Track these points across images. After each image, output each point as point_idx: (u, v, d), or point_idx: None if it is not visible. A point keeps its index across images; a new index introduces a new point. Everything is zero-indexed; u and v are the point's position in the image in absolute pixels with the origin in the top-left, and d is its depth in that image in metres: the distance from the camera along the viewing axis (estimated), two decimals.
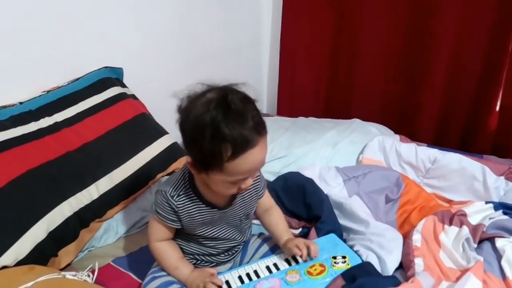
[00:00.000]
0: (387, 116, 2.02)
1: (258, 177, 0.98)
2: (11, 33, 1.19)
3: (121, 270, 1.09)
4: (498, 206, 1.10)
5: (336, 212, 1.21)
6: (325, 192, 1.27)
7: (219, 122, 0.77)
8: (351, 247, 1.05)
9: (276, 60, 2.23)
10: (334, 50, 2.07)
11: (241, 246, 1.05)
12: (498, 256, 0.96)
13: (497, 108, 1.80)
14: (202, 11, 1.82)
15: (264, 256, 1.01)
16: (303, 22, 2.07)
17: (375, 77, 2.01)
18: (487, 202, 1.13)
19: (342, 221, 1.18)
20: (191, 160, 0.85)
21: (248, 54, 2.21)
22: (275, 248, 1.02)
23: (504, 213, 1.08)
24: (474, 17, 1.71)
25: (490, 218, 1.06)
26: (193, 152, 0.83)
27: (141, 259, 1.06)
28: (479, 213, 1.09)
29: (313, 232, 1.12)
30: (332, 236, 1.06)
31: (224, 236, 0.98)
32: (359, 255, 1.01)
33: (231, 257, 1.03)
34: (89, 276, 1.01)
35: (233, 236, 0.99)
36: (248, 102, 0.82)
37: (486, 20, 1.69)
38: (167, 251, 0.96)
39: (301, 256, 0.94)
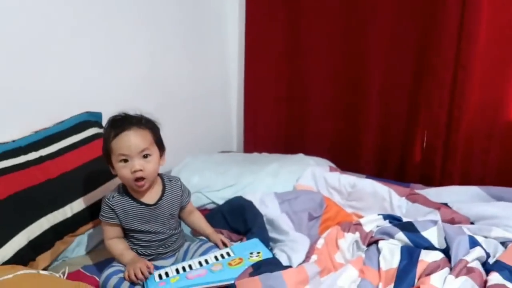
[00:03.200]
0: (334, 151, 2.33)
1: (178, 184, 1.34)
2: (7, 81, 1.49)
3: (88, 274, 1.34)
4: (387, 217, 1.38)
5: (269, 227, 1.48)
6: (263, 212, 1.54)
7: (110, 122, 1.26)
8: (271, 250, 1.31)
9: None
10: (289, 96, 2.42)
11: (174, 240, 1.33)
12: (378, 253, 1.23)
13: (424, 145, 2.12)
14: (171, 62, 2.17)
15: (201, 255, 1.28)
16: (263, 73, 2.43)
17: (323, 118, 2.35)
18: (379, 214, 1.40)
19: (272, 233, 1.45)
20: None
21: (217, 100, 2.55)
22: (208, 250, 1.29)
23: (390, 222, 1.35)
24: (397, 66, 2.07)
25: (377, 226, 1.33)
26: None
27: (106, 267, 1.31)
28: (372, 222, 1.37)
29: (244, 240, 1.39)
30: (255, 241, 1.33)
31: (154, 230, 1.28)
32: (273, 254, 1.26)
33: (168, 250, 1.32)
34: (60, 276, 1.26)
35: (161, 230, 1.29)
36: (141, 117, 1.27)
37: (407, 69, 2.05)
38: (115, 244, 1.29)
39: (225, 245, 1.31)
